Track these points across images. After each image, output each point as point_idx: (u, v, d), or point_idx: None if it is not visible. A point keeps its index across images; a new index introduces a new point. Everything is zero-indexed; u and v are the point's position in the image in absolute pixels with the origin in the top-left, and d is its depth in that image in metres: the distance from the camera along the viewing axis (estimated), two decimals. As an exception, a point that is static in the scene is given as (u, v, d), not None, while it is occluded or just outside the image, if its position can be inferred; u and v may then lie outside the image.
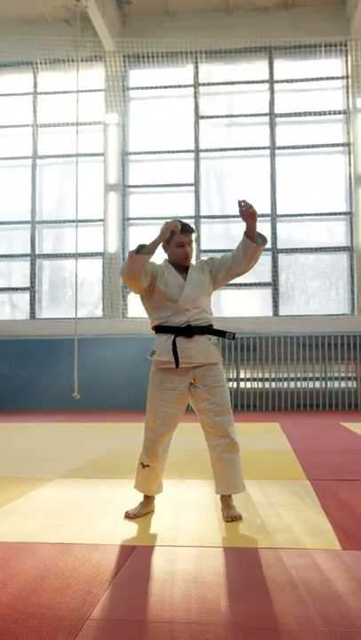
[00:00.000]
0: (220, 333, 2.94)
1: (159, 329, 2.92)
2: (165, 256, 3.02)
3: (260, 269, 10.67)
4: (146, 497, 2.99)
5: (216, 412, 2.87)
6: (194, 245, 3.04)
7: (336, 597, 1.93)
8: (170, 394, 2.88)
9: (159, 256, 2.97)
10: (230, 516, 2.82)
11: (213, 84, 11.13)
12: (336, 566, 2.22)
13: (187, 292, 2.89)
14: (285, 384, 10.05)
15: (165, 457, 2.99)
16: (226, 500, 2.91)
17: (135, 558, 2.31)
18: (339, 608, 1.84)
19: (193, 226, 3.08)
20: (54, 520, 2.86)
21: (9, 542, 2.52)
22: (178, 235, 2.92)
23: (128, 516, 2.88)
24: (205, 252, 10.39)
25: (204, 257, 3.19)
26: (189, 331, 2.85)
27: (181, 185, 10.86)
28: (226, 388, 2.95)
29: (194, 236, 3.06)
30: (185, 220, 3.06)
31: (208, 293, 3.00)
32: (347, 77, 10.70)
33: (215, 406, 2.87)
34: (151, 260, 2.89)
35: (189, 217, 10.63)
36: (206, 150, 10.93)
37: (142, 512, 2.92)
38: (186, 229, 2.96)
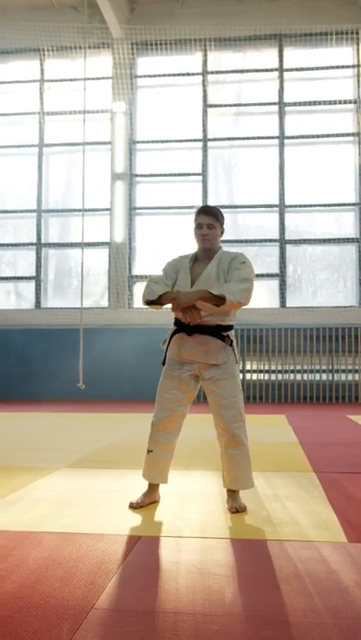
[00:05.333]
0: (221, 337, 2.86)
1: (175, 320, 2.96)
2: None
3: (268, 260, 10.62)
4: (150, 486, 2.98)
5: (220, 404, 2.85)
6: (218, 230, 2.95)
7: (342, 590, 1.91)
8: (173, 380, 2.91)
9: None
10: (235, 508, 2.81)
11: (222, 72, 11.02)
12: (342, 559, 2.20)
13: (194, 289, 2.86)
14: (292, 376, 10.02)
15: (169, 446, 2.95)
16: (231, 492, 2.90)
17: (140, 548, 2.30)
18: (345, 600, 1.83)
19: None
20: (59, 509, 2.86)
21: (14, 531, 2.52)
22: (198, 216, 2.95)
23: (132, 507, 2.87)
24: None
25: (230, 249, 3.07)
26: (190, 328, 2.83)
27: (189, 174, 10.79)
28: (234, 382, 2.87)
29: (217, 221, 2.94)
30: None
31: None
32: (358, 66, 10.56)
33: (220, 399, 2.85)
34: (170, 262, 3.00)
35: (196, 207, 10.55)
36: (214, 139, 10.84)
37: (146, 502, 2.91)
38: (204, 211, 2.96)
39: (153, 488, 2.99)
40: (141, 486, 3.02)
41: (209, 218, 2.93)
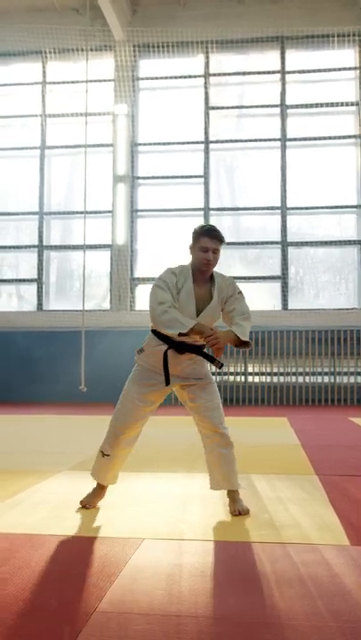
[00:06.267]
0: (210, 359, 2.86)
1: (156, 332, 2.87)
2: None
3: (270, 262, 10.62)
4: (99, 486, 2.99)
5: (206, 407, 2.87)
6: (220, 255, 2.87)
7: (345, 593, 1.91)
8: (148, 389, 2.88)
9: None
10: (237, 510, 2.81)
11: (224, 74, 11.03)
12: (345, 562, 2.19)
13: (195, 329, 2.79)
14: (294, 378, 10.00)
15: (130, 450, 2.96)
16: (232, 495, 2.90)
17: (142, 551, 2.29)
18: (348, 604, 1.82)
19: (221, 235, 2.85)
20: (61, 512, 2.86)
21: (16, 534, 2.52)
22: (204, 238, 2.81)
23: (84, 506, 2.89)
24: (214, 244, 10.33)
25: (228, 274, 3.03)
26: (182, 347, 2.81)
27: (191, 177, 10.79)
28: (214, 385, 2.95)
29: (222, 246, 2.88)
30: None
31: (215, 322, 2.90)
32: (359, 68, 10.56)
33: (205, 402, 2.87)
34: (171, 274, 2.81)
35: (199, 209, 10.57)
36: (216, 142, 10.84)
37: (95, 501, 2.94)
38: (214, 234, 2.83)
39: (103, 488, 3.00)
40: (141, 489, 3.02)
41: (215, 242, 2.82)
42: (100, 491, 2.99)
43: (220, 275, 2.93)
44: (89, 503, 2.93)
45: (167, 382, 2.81)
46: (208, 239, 2.81)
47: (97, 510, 2.90)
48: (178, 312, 2.74)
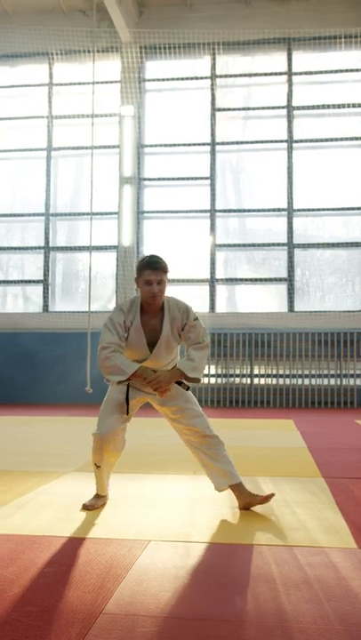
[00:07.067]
0: (178, 382, 2.87)
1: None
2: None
3: (276, 265, 10.60)
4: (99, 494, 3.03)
5: (190, 415, 2.87)
6: (166, 282, 2.80)
7: (352, 596, 1.89)
8: (132, 393, 2.91)
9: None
10: (246, 504, 2.83)
11: (230, 75, 11.04)
12: (352, 564, 2.18)
13: (152, 362, 2.84)
14: (300, 381, 9.98)
15: (117, 455, 2.97)
16: (237, 489, 2.88)
17: (149, 553, 2.29)
18: (355, 607, 1.81)
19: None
20: (67, 514, 2.86)
21: (23, 535, 2.52)
22: (146, 271, 2.74)
23: (86, 508, 2.91)
24: (221, 246, 10.33)
25: (180, 302, 2.90)
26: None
27: (197, 178, 10.80)
28: (191, 394, 2.96)
29: (167, 276, 2.80)
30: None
31: (173, 350, 2.89)
32: (366, 70, 10.54)
33: (189, 411, 2.88)
34: (120, 312, 2.80)
35: (205, 211, 10.57)
36: (222, 143, 10.85)
37: (99, 504, 2.97)
38: (156, 266, 2.75)
39: (104, 496, 3.04)
40: (148, 491, 3.02)
41: (158, 274, 2.75)
42: (101, 497, 3.03)
43: (174, 302, 2.86)
44: (92, 505, 2.94)
45: (127, 412, 2.86)
46: (150, 271, 2.74)
47: (103, 512, 2.90)
48: (121, 356, 2.76)
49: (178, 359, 2.97)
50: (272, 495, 2.84)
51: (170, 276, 2.90)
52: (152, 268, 2.75)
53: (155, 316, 2.83)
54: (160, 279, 2.75)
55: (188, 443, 2.94)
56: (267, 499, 2.84)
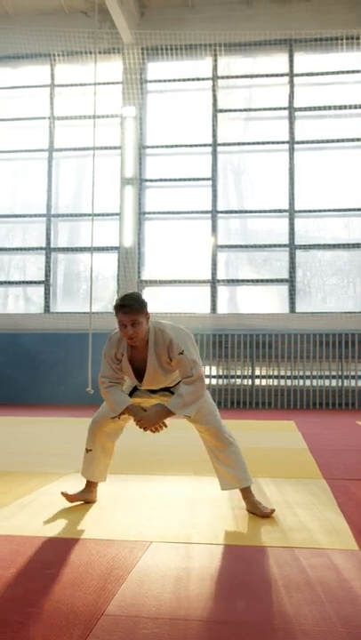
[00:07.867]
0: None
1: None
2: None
3: (277, 265, 10.60)
4: (88, 483, 3.03)
5: (201, 413, 2.85)
6: (144, 321, 2.67)
7: (354, 598, 1.89)
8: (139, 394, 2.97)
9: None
10: (253, 511, 2.82)
11: (232, 77, 11.05)
12: (354, 566, 2.18)
13: (149, 386, 2.87)
14: (301, 382, 9.98)
15: (111, 444, 3.03)
16: (246, 494, 2.88)
17: (150, 554, 2.28)
18: (357, 609, 1.80)
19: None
20: (68, 514, 2.85)
21: (24, 536, 2.51)
22: (118, 314, 2.65)
23: (66, 496, 2.94)
24: (222, 247, 10.33)
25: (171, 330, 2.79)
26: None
27: (198, 179, 10.80)
28: (207, 392, 2.96)
29: (140, 317, 2.66)
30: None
31: (171, 373, 2.85)
32: (368, 71, 10.54)
33: (203, 409, 2.86)
34: (111, 346, 2.81)
35: (206, 212, 10.57)
36: (224, 144, 10.85)
37: (81, 497, 2.98)
38: (126, 310, 2.61)
39: (91, 486, 3.04)
40: (149, 491, 3.01)
41: (131, 315, 2.61)
42: (87, 488, 3.03)
43: (160, 332, 2.73)
44: (70, 496, 2.96)
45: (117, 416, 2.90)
46: (122, 314, 2.64)
47: (105, 513, 2.90)
48: (115, 391, 2.83)
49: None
50: (273, 511, 2.83)
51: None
52: (123, 311, 2.63)
53: (142, 349, 2.77)
54: (134, 319, 2.62)
55: (203, 442, 2.94)
56: (267, 515, 2.82)
